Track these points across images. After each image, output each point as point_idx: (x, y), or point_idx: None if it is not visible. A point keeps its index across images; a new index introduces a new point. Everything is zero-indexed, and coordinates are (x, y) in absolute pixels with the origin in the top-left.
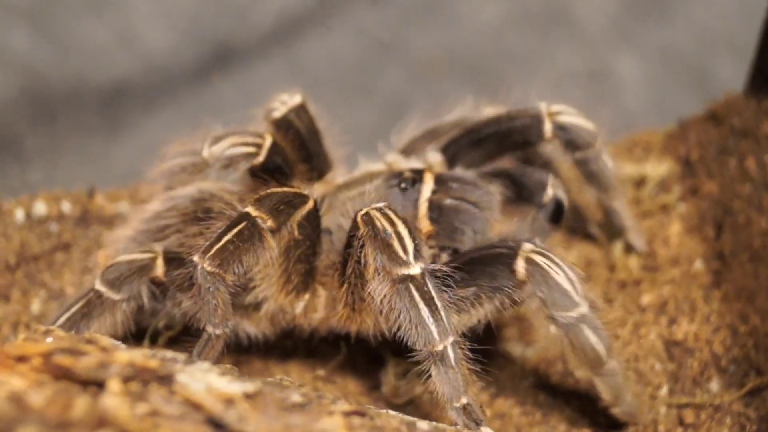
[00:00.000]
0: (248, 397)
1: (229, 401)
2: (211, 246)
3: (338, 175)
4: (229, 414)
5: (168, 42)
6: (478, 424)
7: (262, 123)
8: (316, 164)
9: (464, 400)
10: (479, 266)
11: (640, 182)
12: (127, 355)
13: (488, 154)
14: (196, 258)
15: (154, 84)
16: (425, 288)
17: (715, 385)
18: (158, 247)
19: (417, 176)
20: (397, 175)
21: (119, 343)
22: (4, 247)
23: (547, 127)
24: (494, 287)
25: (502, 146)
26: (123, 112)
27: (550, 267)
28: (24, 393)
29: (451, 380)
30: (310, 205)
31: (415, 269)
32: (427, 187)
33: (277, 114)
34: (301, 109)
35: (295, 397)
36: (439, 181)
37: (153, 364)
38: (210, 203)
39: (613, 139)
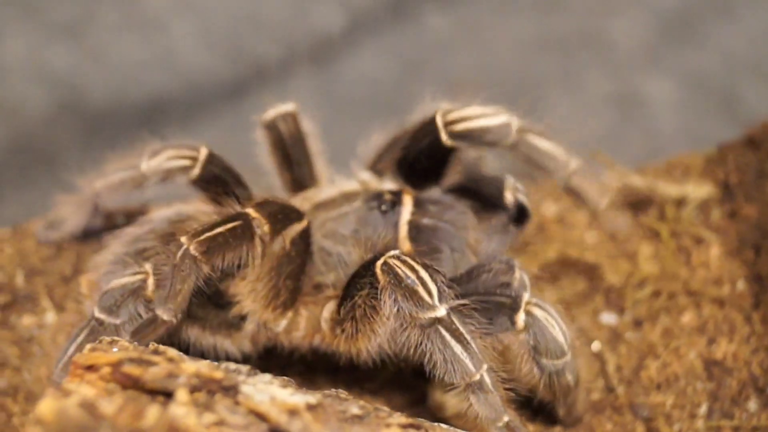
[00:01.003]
0: (311, 408)
1: (292, 412)
2: (202, 232)
3: (319, 193)
4: (294, 425)
5: (205, 60)
6: None
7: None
8: (297, 174)
9: (506, 419)
10: (479, 312)
11: (680, 202)
12: (193, 366)
13: (433, 174)
14: (183, 239)
15: (191, 101)
16: (454, 326)
17: (753, 405)
18: (148, 267)
19: (396, 198)
20: (377, 197)
21: (182, 354)
22: (62, 259)
23: (446, 141)
24: (488, 332)
25: (432, 167)
26: (162, 129)
27: (547, 320)
28: (95, 401)
29: (491, 404)
30: (304, 223)
31: (442, 311)
32: (407, 209)
33: (266, 117)
34: (288, 116)
35: (354, 410)
36: (418, 203)
37: (218, 375)
38: (187, 224)
39: (648, 161)
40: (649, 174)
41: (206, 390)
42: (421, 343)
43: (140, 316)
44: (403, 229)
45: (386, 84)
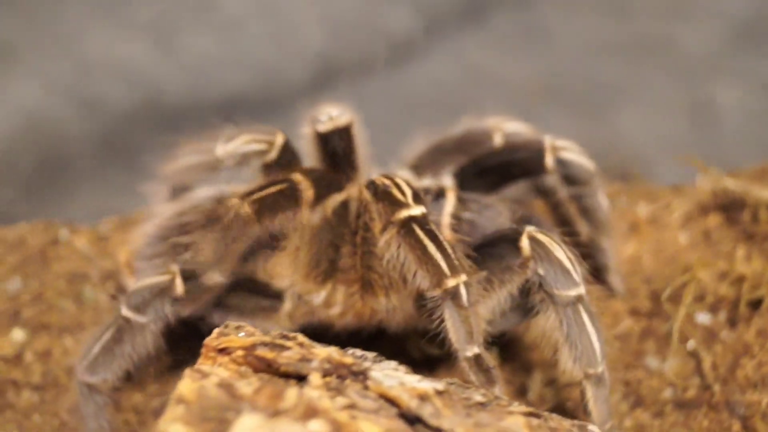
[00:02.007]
0: (439, 394)
1: (423, 397)
2: (253, 192)
3: None
4: (425, 409)
5: (280, 60)
6: (489, 380)
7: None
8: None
9: (477, 350)
10: (487, 249)
11: None
12: (324, 351)
13: (492, 183)
14: (234, 200)
15: (266, 100)
16: (428, 228)
17: None
18: (175, 267)
19: (441, 192)
20: (424, 189)
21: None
22: None
23: (548, 161)
24: (503, 268)
25: (505, 176)
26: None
27: (552, 245)
28: (232, 382)
29: (464, 323)
30: (344, 194)
31: (415, 210)
32: (450, 203)
33: (322, 128)
34: (344, 131)
35: (478, 397)
36: (460, 199)
37: (348, 360)
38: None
39: (720, 167)
40: (741, 177)
41: (337, 375)
42: (398, 247)
43: (166, 315)
44: (446, 220)
45: (455, 87)
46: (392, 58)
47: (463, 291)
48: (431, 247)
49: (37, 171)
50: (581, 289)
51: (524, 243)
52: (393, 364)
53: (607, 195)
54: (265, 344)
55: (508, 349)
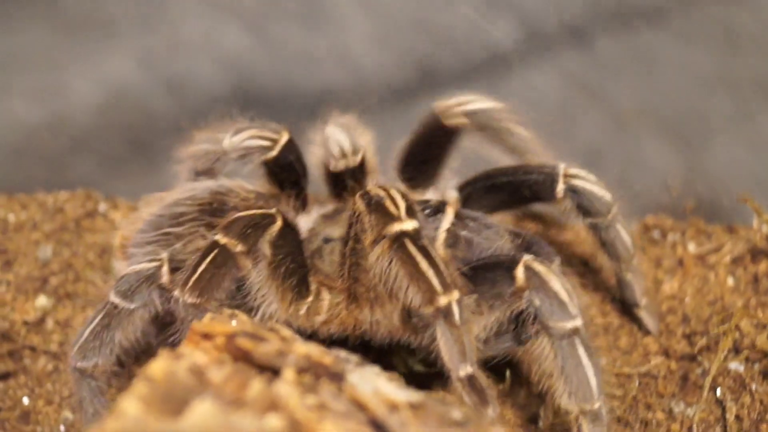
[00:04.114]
0: (412, 406)
1: (393, 407)
2: (189, 278)
3: None
4: (392, 419)
5: (378, 61)
6: (483, 401)
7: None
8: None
9: (470, 370)
10: (481, 272)
11: None
12: (304, 348)
13: (500, 202)
14: (176, 293)
15: (358, 97)
16: (420, 243)
17: None
18: (164, 255)
19: (440, 206)
20: (423, 203)
21: (296, 335)
22: None
23: (560, 188)
24: (494, 294)
25: (514, 197)
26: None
27: (548, 276)
28: (205, 368)
29: (457, 341)
30: (278, 223)
31: (408, 225)
32: (447, 218)
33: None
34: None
35: (456, 414)
36: (459, 216)
37: (327, 360)
38: (226, 197)
39: None
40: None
41: (313, 372)
42: (389, 262)
43: (153, 302)
44: (441, 236)
45: (553, 103)
46: (491, 70)
47: (455, 309)
48: (423, 264)
49: (121, 145)
50: (577, 322)
51: (519, 272)
52: (376, 369)
53: (661, 230)
54: (246, 334)
55: (524, 373)
